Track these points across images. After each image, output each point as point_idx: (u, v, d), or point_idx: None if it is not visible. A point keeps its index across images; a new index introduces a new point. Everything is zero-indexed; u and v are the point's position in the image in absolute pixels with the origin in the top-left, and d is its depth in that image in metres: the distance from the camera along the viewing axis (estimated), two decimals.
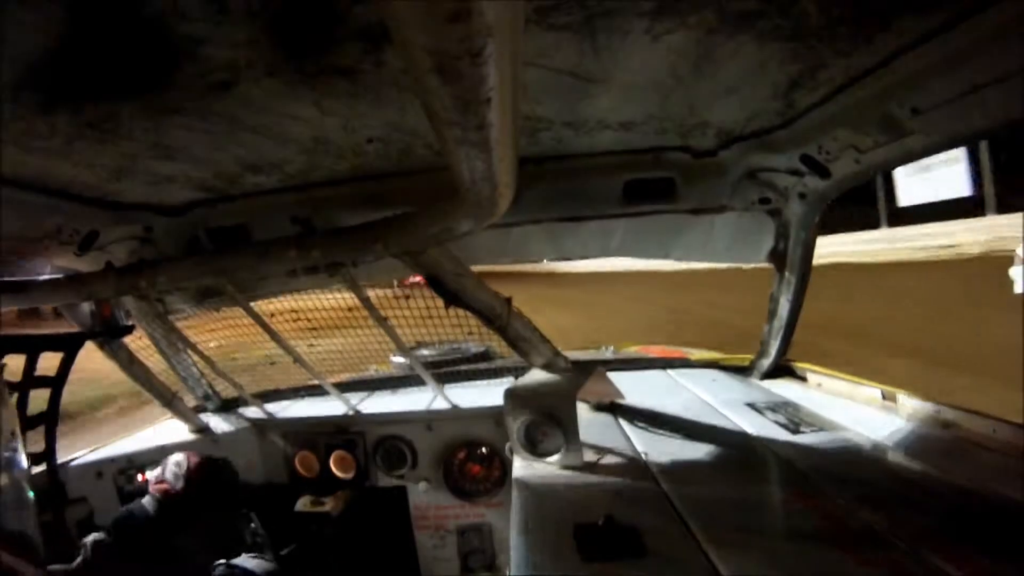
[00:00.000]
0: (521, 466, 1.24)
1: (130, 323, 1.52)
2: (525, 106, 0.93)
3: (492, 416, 1.63)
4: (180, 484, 1.27)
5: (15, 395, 1.20)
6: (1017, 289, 5.91)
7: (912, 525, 0.84)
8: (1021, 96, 0.74)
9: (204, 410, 1.92)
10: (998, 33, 0.68)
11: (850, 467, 1.06)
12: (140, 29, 0.60)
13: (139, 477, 1.60)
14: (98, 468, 1.54)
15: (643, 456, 1.22)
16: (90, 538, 1.20)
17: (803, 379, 1.68)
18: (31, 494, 0.87)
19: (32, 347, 1.24)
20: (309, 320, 1.80)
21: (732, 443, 1.25)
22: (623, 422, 1.46)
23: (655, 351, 3.15)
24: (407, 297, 1.58)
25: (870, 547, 0.80)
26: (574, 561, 0.84)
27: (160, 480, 1.30)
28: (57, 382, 1.33)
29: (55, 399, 1.35)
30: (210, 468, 1.33)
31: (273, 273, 1.22)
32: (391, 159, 1.13)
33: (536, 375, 1.45)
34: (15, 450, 0.85)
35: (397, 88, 0.81)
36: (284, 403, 1.96)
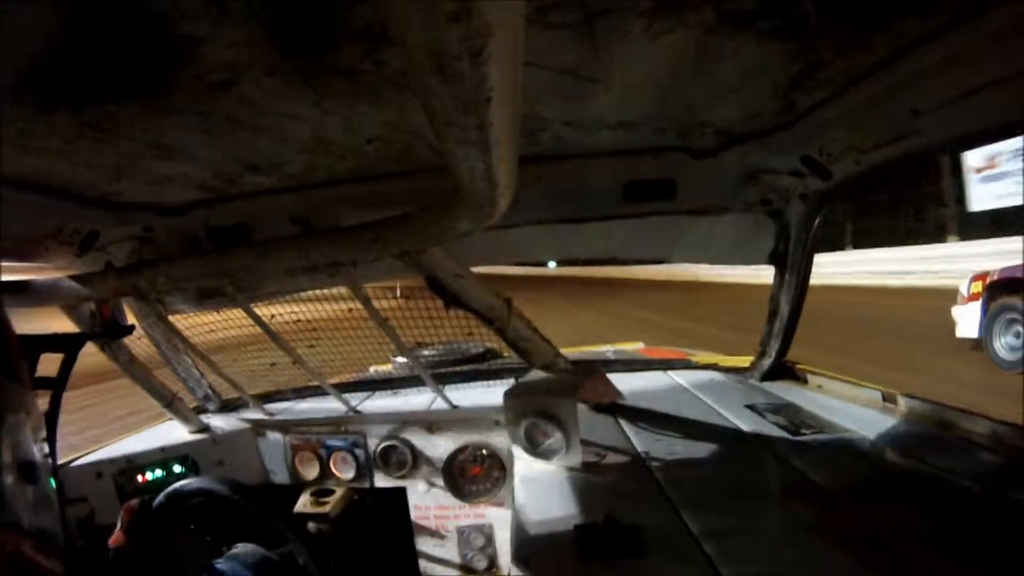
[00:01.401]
0: (522, 467, 1.24)
1: (130, 323, 1.52)
2: (524, 106, 0.93)
3: (493, 417, 1.63)
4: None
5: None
6: (959, 332, 5.33)
7: (912, 526, 0.84)
8: (1021, 98, 0.74)
9: (204, 411, 1.92)
10: (999, 35, 0.68)
11: (850, 468, 1.06)
12: (140, 29, 0.60)
13: (139, 478, 1.60)
14: (98, 468, 1.54)
15: (643, 456, 1.22)
16: None
17: (803, 381, 1.67)
18: (55, 493, 0.86)
19: (32, 348, 1.24)
20: (309, 320, 1.80)
21: (732, 444, 1.25)
22: (623, 423, 1.46)
23: (656, 352, 3.15)
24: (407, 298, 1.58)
25: (870, 548, 0.80)
26: (574, 561, 0.84)
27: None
28: (58, 383, 1.33)
29: (56, 400, 1.35)
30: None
31: (273, 273, 1.22)
32: (391, 159, 1.13)
33: (537, 376, 1.45)
34: (46, 454, 0.84)
35: (397, 88, 0.81)
36: (284, 404, 1.96)
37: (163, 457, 1.64)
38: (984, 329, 5.01)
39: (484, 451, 1.67)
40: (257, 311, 1.48)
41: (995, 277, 4.96)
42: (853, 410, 1.38)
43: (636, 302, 12.15)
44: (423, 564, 1.77)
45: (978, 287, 5.13)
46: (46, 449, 0.87)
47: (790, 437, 1.25)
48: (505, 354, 2.25)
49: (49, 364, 1.30)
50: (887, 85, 0.86)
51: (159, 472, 1.63)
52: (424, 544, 1.76)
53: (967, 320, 5.24)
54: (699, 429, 1.36)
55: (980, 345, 5.12)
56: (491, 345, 2.45)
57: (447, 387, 1.77)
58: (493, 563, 1.71)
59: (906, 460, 1.07)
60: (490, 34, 0.37)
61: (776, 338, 1.61)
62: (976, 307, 5.10)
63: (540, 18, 0.65)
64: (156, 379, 1.66)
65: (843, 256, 12.05)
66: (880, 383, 1.42)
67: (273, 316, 1.62)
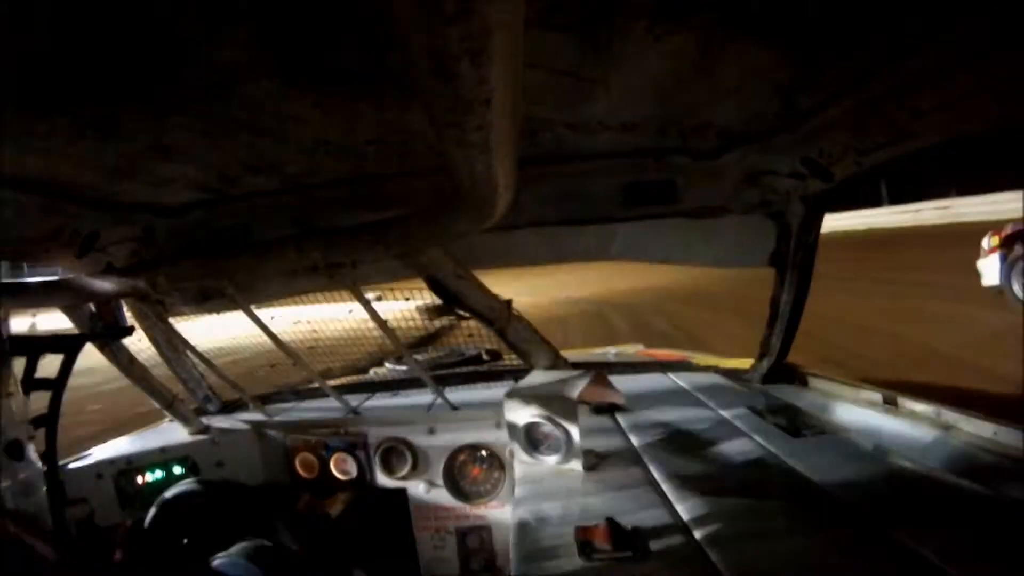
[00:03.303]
0: (522, 468, 1.24)
1: (130, 324, 1.52)
2: (525, 107, 0.93)
3: (493, 418, 1.63)
4: None
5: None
6: (984, 281, 5.99)
7: (913, 527, 0.83)
8: (1020, 99, 0.74)
9: (205, 412, 1.92)
10: (998, 36, 0.68)
11: (851, 470, 1.05)
12: (140, 29, 0.60)
13: (139, 479, 1.59)
14: (98, 469, 1.53)
15: (643, 458, 1.22)
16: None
17: (804, 382, 1.67)
18: (42, 476, 0.88)
19: (33, 348, 1.24)
20: (309, 322, 1.80)
21: (733, 446, 1.24)
22: (623, 424, 1.46)
23: (656, 354, 3.14)
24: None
25: (872, 549, 0.80)
26: (575, 563, 0.84)
27: None
28: (58, 384, 1.33)
29: (55, 400, 1.35)
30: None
31: (273, 274, 1.22)
32: (391, 160, 1.13)
33: (537, 377, 1.45)
34: (31, 435, 0.85)
35: (397, 89, 0.81)
36: (285, 405, 1.96)
37: (163, 458, 1.64)
38: (1004, 276, 5.85)
39: (484, 452, 1.67)
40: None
41: (1008, 231, 5.89)
42: (853, 412, 1.38)
43: None
44: (423, 565, 1.77)
45: (996, 241, 5.95)
46: (31, 431, 0.87)
47: (791, 438, 1.24)
48: (505, 357, 2.25)
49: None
50: (887, 87, 0.86)
51: (159, 473, 1.62)
52: (424, 545, 1.76)
53: (989, 270, 6.03)
54: (699, 431, 1.36)
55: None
56: (491, 347, 2.45)
57: (447, 388, 1.77)
58: (493, 564, 1.71)
59: (906, 461, 1.07)
60: (490, 34, 0.37)
61: (777, 340, 1.60)
62: (996, 258, 5.94)
63: (541, 19, 0.65)
64: (156, 380, 1.66)
65: None
66: None
67: (273, 319, 1.62)
